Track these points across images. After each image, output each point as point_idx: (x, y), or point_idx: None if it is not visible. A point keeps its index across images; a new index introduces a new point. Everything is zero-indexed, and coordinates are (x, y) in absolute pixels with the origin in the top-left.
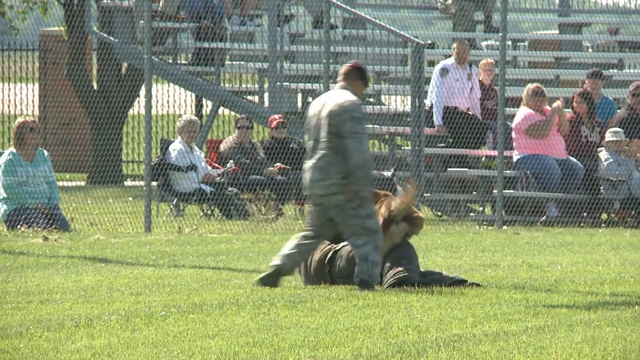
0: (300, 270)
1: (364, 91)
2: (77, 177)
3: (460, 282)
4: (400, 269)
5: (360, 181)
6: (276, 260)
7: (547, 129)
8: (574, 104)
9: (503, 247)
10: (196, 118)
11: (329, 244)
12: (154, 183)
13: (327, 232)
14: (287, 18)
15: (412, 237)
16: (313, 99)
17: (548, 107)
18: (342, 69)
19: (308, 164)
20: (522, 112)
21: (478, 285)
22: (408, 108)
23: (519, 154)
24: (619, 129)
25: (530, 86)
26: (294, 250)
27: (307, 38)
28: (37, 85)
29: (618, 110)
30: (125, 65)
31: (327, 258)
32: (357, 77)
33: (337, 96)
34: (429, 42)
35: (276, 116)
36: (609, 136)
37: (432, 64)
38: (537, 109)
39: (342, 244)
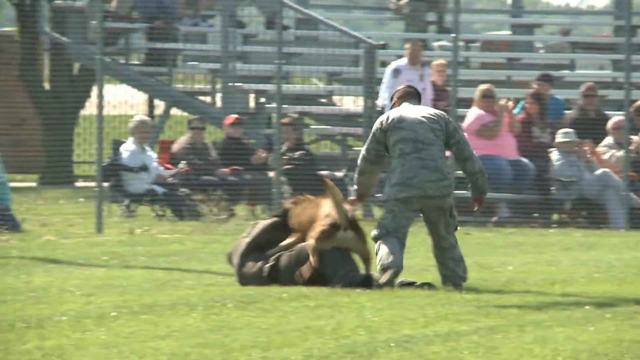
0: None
1: None
2: (28, 178)
3: (410, 284)
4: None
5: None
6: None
7: (497, 129)
8: (526, 104)
9: None
10: (149, 119)
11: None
12: (106, 184)
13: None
14: (240, 23)
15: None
16: (266, 99)
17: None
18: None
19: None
20: (473, 113)
21: (430, 285)
22: (360, 109)
23: None
24: (570, 130)
25: (481, 87)
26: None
27: (259, 39)
28: None
29: (569, 111)
30: (77, 65)
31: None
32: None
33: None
34: (382, 42)
35: (233, 116)
36: (560, 137)
37: (384, 64)
38: (488, 110)
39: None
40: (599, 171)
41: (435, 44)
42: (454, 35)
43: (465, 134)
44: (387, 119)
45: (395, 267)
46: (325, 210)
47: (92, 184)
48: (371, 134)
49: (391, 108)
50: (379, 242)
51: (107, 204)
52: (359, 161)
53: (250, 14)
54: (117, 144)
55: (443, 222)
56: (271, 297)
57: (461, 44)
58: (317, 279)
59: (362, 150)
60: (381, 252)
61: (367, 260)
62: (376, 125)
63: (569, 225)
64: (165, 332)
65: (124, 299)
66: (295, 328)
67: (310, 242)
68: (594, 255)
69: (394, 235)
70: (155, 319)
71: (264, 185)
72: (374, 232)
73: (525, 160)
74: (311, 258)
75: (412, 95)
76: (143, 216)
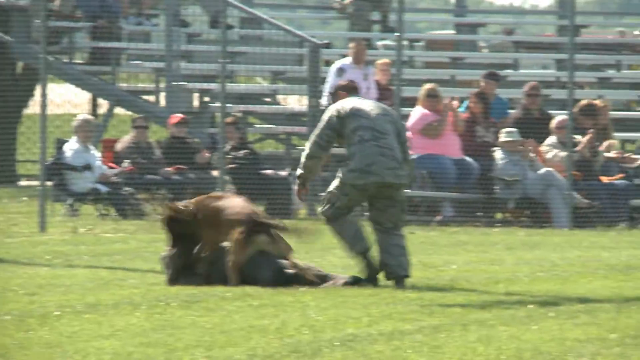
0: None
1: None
2: None
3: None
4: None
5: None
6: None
7: (441, 128)
8: (470, 104)
9: None
10: (92, 117)
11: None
12: (49, 183)
13: None
14: (184, 23)
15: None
16: (210, 98)
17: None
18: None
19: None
20: (417, 112)
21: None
22: (304, 108)
23: (414, 154)
24: (513, 129)
25: (425, 87)
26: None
27: (203, 38)
28: None
29: (513, 111)
30: (20, 64)
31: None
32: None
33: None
34: (326, 41)
35: (178, 115)
36: (503, 136)
37: (328, 63)
38: (432, 110)
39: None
40: (542, 170)
41: (379, 43)
42: (397, 34)
43: (409, 133)
44: (344, 107)
45: (364, 249)
46: (230, 203)
47: (36, 183)
48: (325, 121)
49: (334, 101)
50: (334, 224)
51: (50, 203)
52: (309, 145)
53: (194, 13)
54: (60, 143)
55: (391, 212)
56: (215, 296)
57: (405, 43)
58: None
59: (314, 136)
60: (346, 239)
61: (286, 258)
62: (331, 112)
63: (513, 224)
64: (109, 331)
65: (68, 298)
66: (239, 327)
67: (229, 257)
68: (537, 254)
69: (348, 216)
70: (98, 318)
71: (208, 184)
72: (323, 209)
73: (469, 159)
74: (231, 274)
75: (357, 90)
76: (86, 215)
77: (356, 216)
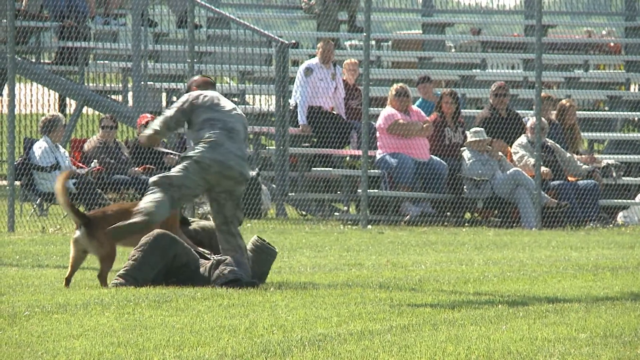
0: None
1: None
2: None
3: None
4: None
5: None
6: None
7: (408, 131)
8: (443, 103)
9: (367, 247)
10: (61, 116)
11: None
12: (18, 183)
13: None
14: (152, 22)
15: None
16: (177, 98)
17: (413, 107)
18: (203, 78)
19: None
20: (385, 112)
21: (253, 284)
22: (272, 107)
23: (381, 153)
24: (480, 129)
25: (395, 86)
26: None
27: (171, 37)
28: None
29: (480, 110)
30: None
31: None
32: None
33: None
34: (293, 41)
35: (148, 115)
36: (470, 136)
37: (296, 63)
38: (401, 109)
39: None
40: (511, 170)
41: (347, 43)
42: (365, 34)
43: (377, 132)
44: (201, 95)
45: (148, 217)
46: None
47: (4, 182)
48: (180, 105)
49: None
50: (153, 189)
51: (19, 203)
52: (158, 122)
53: (161, 13)
54: (28, 142)
55: (230, 206)
56: (185, 296)
57: (372, 43)
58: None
59: (167, 113)
60: (146, 198)
61: (101, 260)
62: (188, 98)
63: (481, 224)
64: (79, 331)
65: (37, 298)
66: (209, 327)
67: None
68: (506, 254)
69: (171, 192)
70: (68, 318)
71: None
72: (153, 179)
73: (437, 159)
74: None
75: (212, 85)
76: (55, 215)
77: (175, 198)
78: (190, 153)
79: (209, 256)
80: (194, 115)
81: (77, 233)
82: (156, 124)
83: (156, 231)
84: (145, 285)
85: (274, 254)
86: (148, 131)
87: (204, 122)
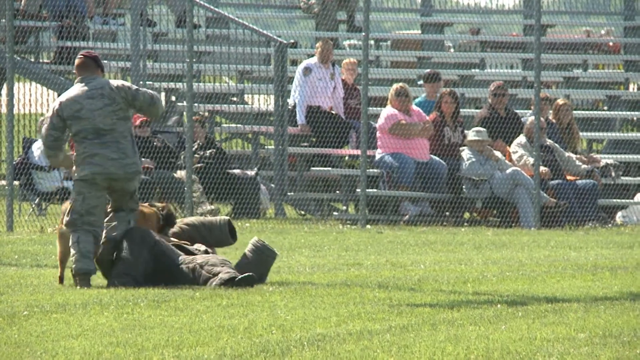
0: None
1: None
2: None
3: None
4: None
5: None
6: None
7: (410, 132)
8: (443, 103)
9: (366, 246)
10: None
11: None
12: (16, 182)
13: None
14: (150, 22)
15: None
16: (176, 97)
17: (414, 107)
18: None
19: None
20: (386, 112)
21: (250, 278)
22: (271, 107)
23: (381, 153)
24: (481, 129)
25: (395, 86)
26: None
27: (170, 37)
28: None
29: (479, 110)
30: None
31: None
32: (97, 67)
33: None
34: (292, 41)
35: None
36: (471, 135)
37: (295, 63)
38: (402, 109)
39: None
40: (510, 170)
41: (346, 42)
42: (364, 33)
43: (378, 132)
44: (64, 107)
45: (85, 272)
46: None
47: (3, 182)
48: (49, 121)
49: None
50: (73, 234)
51: (17, 203)
52: (44, 145)
53: (160, 13)
54: (27, 142)
55: (126, 200)
56: (184, 296)
57: (371, 42)
58: None
59: (43, 131)
60: (74, 251)
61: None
62: (54, 112)
63: (480, 223)
64: (78, 331)
65: (36, 298)
66: (208, 327)
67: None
68: (505, 254)
69: (87, 226)
70: (67, 317)
71: (175, 183)
72: (66, 219)
73: (437, 158)
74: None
75: (87, 67)
76: (54, 215)
77: (95, 230)
78: (75, 175)
79: (191, 249)
80: (68, 126)
81: (64, 227)
82: (45, 150)
83: (128, 229)
84: (141, 284)
85: (274, 255)
86: (50, 159)
87: (76, 135)
